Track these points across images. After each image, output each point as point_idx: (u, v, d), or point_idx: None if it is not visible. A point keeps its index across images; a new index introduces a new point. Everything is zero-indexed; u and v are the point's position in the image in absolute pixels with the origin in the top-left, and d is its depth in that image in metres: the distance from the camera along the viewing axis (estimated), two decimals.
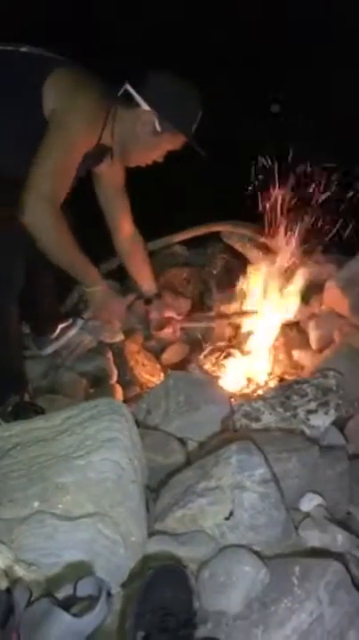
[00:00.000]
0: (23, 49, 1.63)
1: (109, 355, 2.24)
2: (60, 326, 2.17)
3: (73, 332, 2.19)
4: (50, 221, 1.53)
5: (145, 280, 2.10)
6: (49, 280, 2.07)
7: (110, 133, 1.69)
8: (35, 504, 1.05)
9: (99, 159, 1.80)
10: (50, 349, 2.14)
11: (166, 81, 1.68)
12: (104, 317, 2.01)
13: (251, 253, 2.57)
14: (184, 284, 2.73)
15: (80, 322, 2.23)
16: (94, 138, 1.66)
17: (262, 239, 2.52)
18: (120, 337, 2.36)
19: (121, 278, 2.70)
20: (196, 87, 1.70)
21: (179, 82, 1.68)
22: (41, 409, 1.67)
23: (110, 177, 1.91)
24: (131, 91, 1.65)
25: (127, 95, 1.66)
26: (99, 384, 2.13)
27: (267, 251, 2.50)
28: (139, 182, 1.95)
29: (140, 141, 1.70)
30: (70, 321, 2.21)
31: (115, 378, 2.17)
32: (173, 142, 1.74)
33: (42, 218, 1.52)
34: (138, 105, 1.65)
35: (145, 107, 1.65)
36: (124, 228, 2.01)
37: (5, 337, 1.79)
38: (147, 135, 1.69)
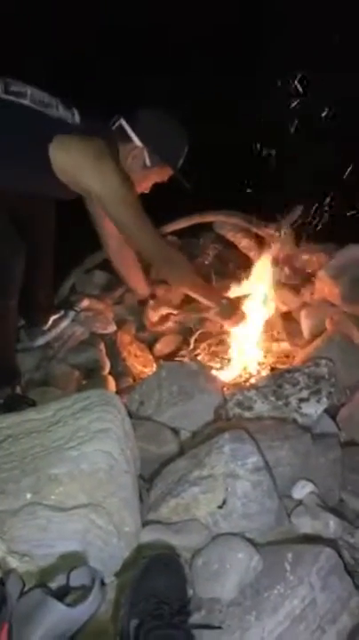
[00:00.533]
0: (24, 101, 1.62)
1: (101, 346, 2.23)
2: (52, 318, 2.16)
3: (65, 323, 2.18)
4: (182, 273, 1.88)
5: (137, 284, 2.19)
6: (45, 271, 2.07)
7: None
8: (28, 496, 1.05)
9: None
10: (41, 341, 2.13)
11: (156, 118, 1.80)
12: (232, 325, 2.16)
13: (243, 243, 2.56)
14: None
15: (72, 314, 2.22)
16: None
17: (254, 229, 2.52)
18: (112, 328, 2.35)
19: (109, 270, 2.70)
20: (182, 126, 1.82)
21: (169, 119, 1.80)
22: (32, 401, 1.67)
23: None
24: (126, 127, 1.76)
25: (121, 129, 1.77)
26: (91, 376, 2.12)
27: (259, 240, 2.49)
28: None
29: (130, 174, 1.75)
30: (62, 312, 2.20)
31: (107, 369, 2.17)
32: (161, 175, 1.85)
33: (175, 273, 1.86)
34: (130, 140, 1.76)
35: (137, 142, 1.76)
36: (112, 243, 2.04)
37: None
38: (138, 168, 1.79)
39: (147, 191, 1.90)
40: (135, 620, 0.82)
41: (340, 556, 1.04)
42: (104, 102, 1.87)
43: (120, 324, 2.42)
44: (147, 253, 1.82)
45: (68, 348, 2.16)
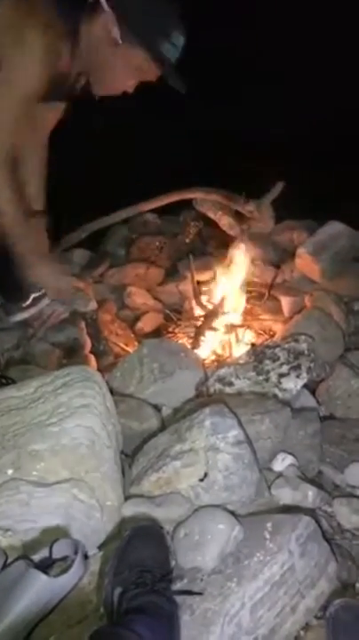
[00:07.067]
0: None
1: (82, 325, 2.21)
2: (32, 296, 2.12)
3: (45, 302, 2.15)
4: None
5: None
6: None
7: (72, 55, 1.40)
8: (9, 472, 1.05)
9: (69, 91, 1.52)
10: (19, 317, 2.09)
11: None
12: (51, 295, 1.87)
13: (224, 220, 2.55)
14: (156, 252, 2.70)
15: None
16: (48, 69, 1.36)
17: (234, 206, 2.50)
18: (93, 305, 2.33)
19: (92, 247, 2.67)
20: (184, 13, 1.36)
21: None
22: (11, 380, 1.65)
23: (44, 121, 1.66)
24: None
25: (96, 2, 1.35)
26: (72, 354, 2.11)
27: (240, 218, 2.48)
28: (111, 149, 1.88)
29: (99, 55, 1.38)
30: (42, 291, 2.17)
31: (88, 348, 2.15)
32: (139, 62, 1.38)
33: None
34: (102, 9, 1.34)
35: (105, 7, 1.33)
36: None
37: None
38: (105, 46, 1.37)
39: (130, 90, 1.43)
40: (119, 588, 0.83)
41: (318, 524, 1.07)
42: None
43: (101, 302, 2.41)
44: None
45: (49, 327, 2.14)
